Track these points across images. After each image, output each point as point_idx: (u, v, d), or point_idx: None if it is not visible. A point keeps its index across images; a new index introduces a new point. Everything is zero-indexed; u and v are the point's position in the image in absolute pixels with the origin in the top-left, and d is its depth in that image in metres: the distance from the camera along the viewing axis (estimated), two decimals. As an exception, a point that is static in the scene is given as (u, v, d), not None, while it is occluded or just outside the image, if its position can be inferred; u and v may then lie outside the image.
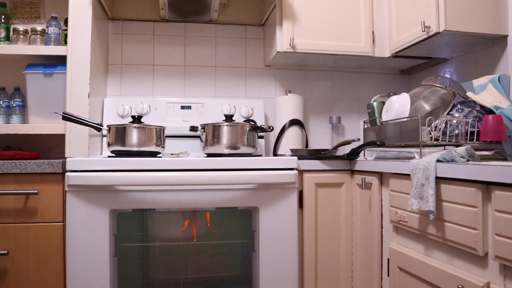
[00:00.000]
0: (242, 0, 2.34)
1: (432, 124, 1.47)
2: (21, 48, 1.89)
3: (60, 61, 1.94)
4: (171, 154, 1.84)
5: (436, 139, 1.48)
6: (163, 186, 1.55)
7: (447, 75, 1.84)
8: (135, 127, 1.72)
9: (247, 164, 1.61)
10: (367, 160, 1.68)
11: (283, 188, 1.63)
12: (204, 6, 2.13)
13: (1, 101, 1.95)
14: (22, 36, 1.96)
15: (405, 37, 1.92)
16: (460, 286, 1.05)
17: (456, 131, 1.51)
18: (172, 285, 1.64)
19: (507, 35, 1.72)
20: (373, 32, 2.11)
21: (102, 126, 1.74)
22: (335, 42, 2.07)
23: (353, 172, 1.74)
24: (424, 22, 1.73)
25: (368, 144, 1.66)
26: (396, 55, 2.10)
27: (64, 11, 2.08)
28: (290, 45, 2.01)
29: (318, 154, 1.78)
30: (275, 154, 2.19)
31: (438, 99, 1.61)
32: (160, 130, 1.80)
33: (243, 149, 1.79)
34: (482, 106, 1.56)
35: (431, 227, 1.20)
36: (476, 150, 1.27)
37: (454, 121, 1.51)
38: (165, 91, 2.28)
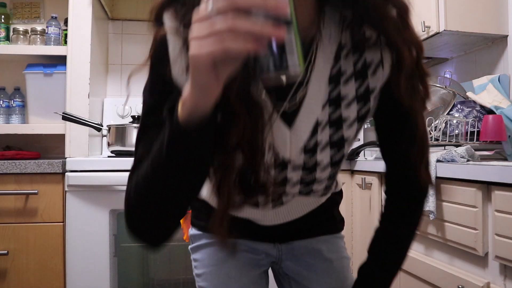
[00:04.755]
0: (242, 0, 2.33)
1: (432, 124, 1.47)
2: (21, 48, 1.89)
3: (60, 61, 1.94)
4: (171, 154, 1.84)
5: (436, 139, 1.47)
6: (163, 186, 1.54)
7: (447, 75, 1.84)
8: (135, 127, 1.72)
9: (247, 164, 1.60)
10: (367, 160, 1.68)
11: (283, 188, 1.62)
12: (204, 6, 2.12)
13: (1, 101, 1.95)
14: (22, 36, 1.96)
15: (405, 37, 1.92)
16: (460, 286, 1.05)
17: (456, 131, 1.51)
18: (172, 285, 1.64)
19: (507, 35, 1.72)
20: (373, 32, 2.11)
21: (102, 126, 1.74)
22: (335, 42, 2.07)
23: (353, 172, 1.74)
24: (424, 22, 1.72)
25: (368, 144, 1.66)
26: (396, 55, 2.09)
27: (64, 11, 2.08)
28: (290, 45, 2.00)
29: (318, 154, 1.78)
30: (275, 154, 2.19)
31: (438, 99, 1.61)
32: (160, 130, 1.80)
33: (243, 149, 1.79)
34: (482, 106, 1.56)
35: (431, 227, 1.20)
36: (476, 150, 1.26)
37: (454, 121, 1.50)
38: (165, 91, 2.28)
